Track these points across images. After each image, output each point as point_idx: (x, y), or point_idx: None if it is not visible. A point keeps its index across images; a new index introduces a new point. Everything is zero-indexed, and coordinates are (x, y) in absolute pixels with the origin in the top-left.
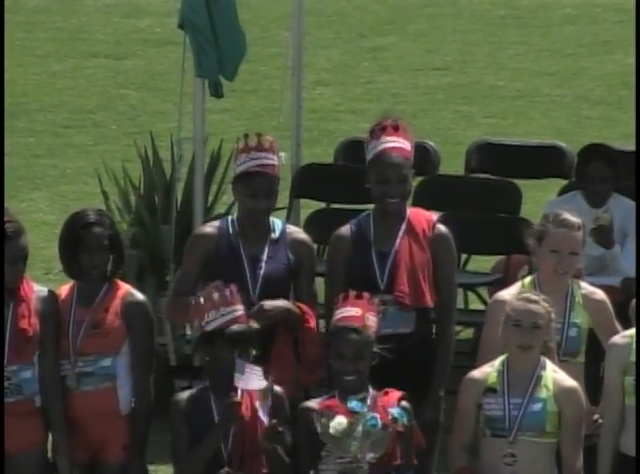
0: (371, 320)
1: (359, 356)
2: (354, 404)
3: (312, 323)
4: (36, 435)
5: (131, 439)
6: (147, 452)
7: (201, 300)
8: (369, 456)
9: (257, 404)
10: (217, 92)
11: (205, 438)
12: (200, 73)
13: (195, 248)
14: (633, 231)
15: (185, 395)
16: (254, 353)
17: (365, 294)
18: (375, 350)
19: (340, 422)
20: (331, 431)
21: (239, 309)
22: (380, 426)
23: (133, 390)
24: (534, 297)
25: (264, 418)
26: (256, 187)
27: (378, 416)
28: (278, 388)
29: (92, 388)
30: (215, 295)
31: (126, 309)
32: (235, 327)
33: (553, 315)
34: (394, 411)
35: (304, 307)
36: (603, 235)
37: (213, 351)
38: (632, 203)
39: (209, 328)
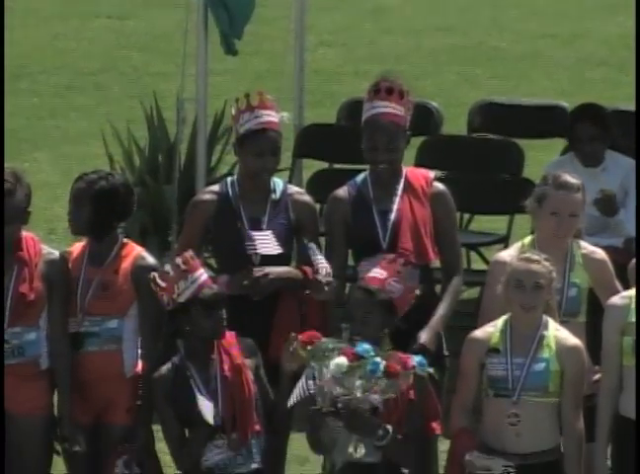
0: (394, 286)
1: (366, 320)
2: (360, 348)
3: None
4: (40, 399)
5: (138, 402)
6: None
7: (159, 280)
8: (374, 397)
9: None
10: (231, 49)
11: (194, 439)
12: (219, 25)
13: (194, 216)
14: (634, 189)
15: (164, 373)
16: (224, 315)
17: (400, 259)
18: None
19: (339, 362)
20: (331, 368)
21: (203, 273)
22: (381, 372)
23: (141, 353)
24: (536, 257)
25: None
26: (263, 145)
27: (383, 363)
28: (249, 340)
29: (97, 349)
30: (175, 266)
31: (136, 272)
32: (207, 291)
33: (554, 274)
34: (416, 358)
35: (308, 270)
36: (608, 206)
37: (192, 320)
38: (631, 161)
39: (183, 298)
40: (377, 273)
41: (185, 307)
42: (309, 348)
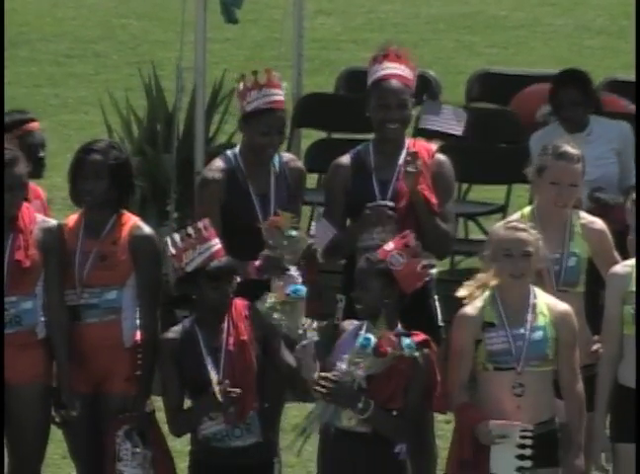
0: (396, 259)
1: (364, 286)
2: (292, 289)
3: None
4: (38, 367)
5: (138, 372)
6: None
7: (170, 247)
8: (358, 373)
9: None
10: (231, 18)
11: (189, 415)
12: None
13: (205, 196)
14: (629, 151)
15: (173, 334)
16: (237, 281)
17: (411, 235)
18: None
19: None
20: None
21: (215, 244)
22: (371, 349)
23: (140, 323)
24: (522, 226)
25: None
26: (270, 124)
27: (374, 340)
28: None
29: (96, 320)
30: (186, 235)
31: (134, 242)
32: (215, 263)
33: (541, 242)
34: (405, 341)
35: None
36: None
37: (199, 290)
38: (621, 124)
39: (190, 268)
40: (387, 245)
41: (192, 276)
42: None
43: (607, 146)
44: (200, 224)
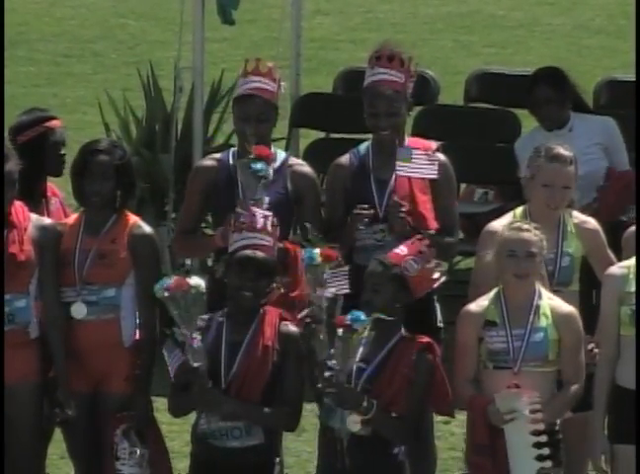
0: (411, 265)
1: (375, 289)
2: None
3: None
4: (30, 367)
5: (137, 371)
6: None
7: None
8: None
9: None
10: (227, 19)
11: (184, 402)
12: None
13: (195, 182)
14: (617, 147)
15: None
16: (274, 288)
17: (425, 241)
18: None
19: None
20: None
21: (263, 239)
22: (317, 258)
23: (139, 322)
24: (526, 226)
25: None
26: (247, 110)
27: (316, 251)
28: (292, 328)
29: (95, 318)
30: (238, 219)
31: (133, 241)
32: (248, 251)
33: (545, 243)
34: (350, 316)
35: (291, 246)
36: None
37: (228, 274)
38: (603, 118)
39: (230, 249)
40: (399, 249)
41: (229, 261)
42: None
43: (591, 141)
44: (260, 213)
